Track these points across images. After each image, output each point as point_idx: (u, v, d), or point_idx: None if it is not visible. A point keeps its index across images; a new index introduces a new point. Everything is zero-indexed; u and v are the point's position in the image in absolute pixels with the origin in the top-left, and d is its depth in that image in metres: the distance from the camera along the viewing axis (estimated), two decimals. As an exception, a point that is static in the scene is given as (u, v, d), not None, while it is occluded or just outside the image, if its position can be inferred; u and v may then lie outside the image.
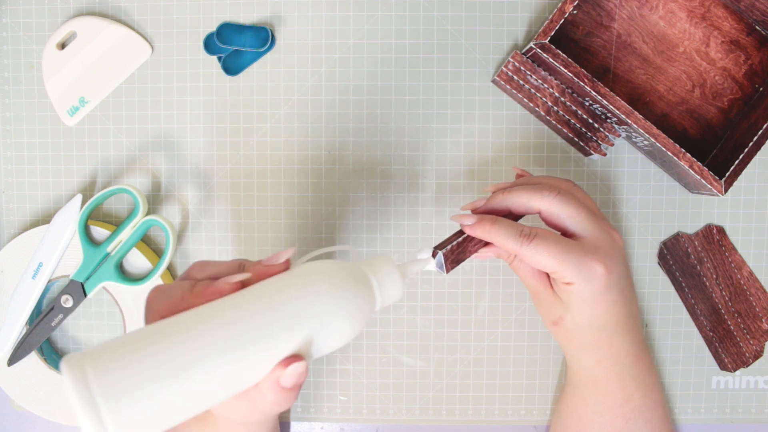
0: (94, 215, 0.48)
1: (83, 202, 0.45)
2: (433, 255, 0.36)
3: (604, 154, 0.44)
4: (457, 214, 0.38)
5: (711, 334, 0.46)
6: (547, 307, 0.38)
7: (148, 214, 0.45)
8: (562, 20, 0.40)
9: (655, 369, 0.42)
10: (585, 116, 0.44)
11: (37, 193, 0.48)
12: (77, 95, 0.47)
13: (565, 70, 0.40)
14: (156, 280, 0.45)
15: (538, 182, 0.38)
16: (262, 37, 0.45)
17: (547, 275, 0.38)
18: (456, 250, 0.36)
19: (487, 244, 0.37)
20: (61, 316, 0.45)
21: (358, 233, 0.47)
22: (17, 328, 0.45)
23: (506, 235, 0.36)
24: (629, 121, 0.40)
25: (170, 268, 0.48)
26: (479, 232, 0.36)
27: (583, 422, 0.42)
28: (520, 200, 0.37)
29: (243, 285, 0.31)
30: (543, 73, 0.43)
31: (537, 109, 0.44)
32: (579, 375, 0.41)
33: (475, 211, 0.39)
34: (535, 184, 0.38)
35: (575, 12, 0.44)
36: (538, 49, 0.40)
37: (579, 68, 0.40)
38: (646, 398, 0.40)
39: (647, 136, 0.40)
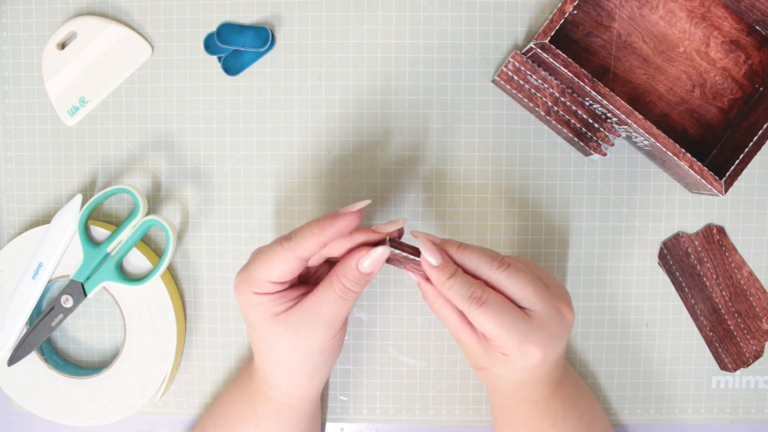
0: (94, 215, 0.48)
1: (83, 202, 0.45)
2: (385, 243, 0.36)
3: (604, 154, 0.44)
4: (425, 241, 0.36)
5: (711, 334, 0.46)
6: (474, 356, 0.38)
7: (148, 214, 0.45)
8: (562, 20, 0.40)
9: (579, 396, 0.42)
10: (585, 116, 0.44)
11: (37, 193, 0.48)
12: (77, 95, 0.47)
13: (565, 70, 0.40)
14: (156, 280, 0.45)
15: (488, 251, 0.37)
16: (262, 37, 0.45)
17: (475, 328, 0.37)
18: (401, 259, 0.36)
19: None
20: (61, 316, 0.45)
21: (358, 233, 0.47)
22: (17, 328, 0.45)
23: (456, 293, 0.35)
24: (629, 121, 0.40)
25: (170, 268, 0.48)
26: (435, 277, 0.35)
27: None
28: (471, 264, 0.36)
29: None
30: (543, 73, 0.43)
31: (537, 109, 0.44)
32: (493, 399, 0.42)
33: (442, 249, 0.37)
34: (484, 250, 0.37)
35: (575, 12, 0.44)
36: (538, 49, 0.40)
37: (579, 68, 0.40)
38: (555, 428, 0.40)
39: (647, 136, 0.40)
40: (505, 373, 0.37)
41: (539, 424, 0.40)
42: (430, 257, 0.35)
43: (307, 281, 0.39)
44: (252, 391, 0.42)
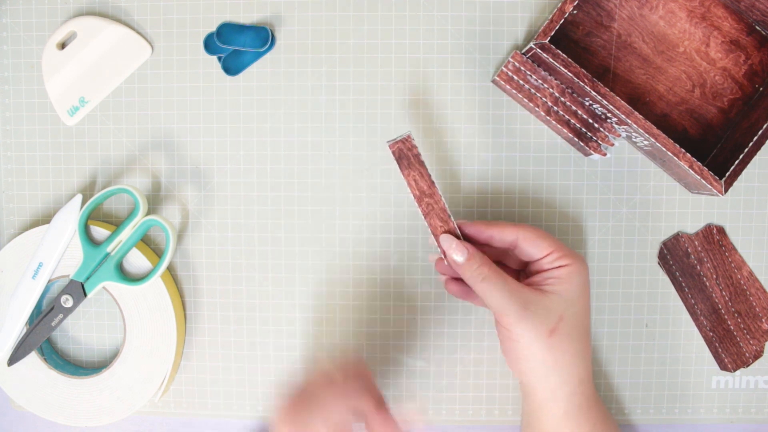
0: (94, 215, 0.48)
1: (83, 202, 0.45)
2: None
3: (604, 154, 0.44)
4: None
5: (711, 334, 0.46)
6: (543, 314, 0.37)
7: (148, 214, 0.45)
8: (562, 20, 0.40)
9: (606, 412, 0.43)
10: (585, 116, 0.44)
11: (37, 193, 0.48)
12: (77, 95, 0.47)
13: (565, 70, 0.40)
14: (156, 280, 0.45)
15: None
16: (262, 37, 0.45)
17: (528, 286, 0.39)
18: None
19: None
20: (61, 316, 0.45)
21: (359, 233, 0.47)
22: (17, 328, 0.45)
23: (502, 229, 0.40)
24: (629, 121, 0.40)
25: (170, 268, 0.48)
26: (479, 228, 0.40)
27: None
28: (496, 232, 0.40)
29: None
30: (543, 73, 0.43)
31: (537, 109, 0.44)
32: (549, 406, 0.39)
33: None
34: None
35: (575, 12, 0.44)
36: (538, 49, 0.40)
37: (579, 68, 0.40)
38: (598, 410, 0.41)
39: (647, 136, 0.40)
40: (578, 305, 0.39)
41: (595, 425, 0.40)
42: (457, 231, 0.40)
43: None
44: None
